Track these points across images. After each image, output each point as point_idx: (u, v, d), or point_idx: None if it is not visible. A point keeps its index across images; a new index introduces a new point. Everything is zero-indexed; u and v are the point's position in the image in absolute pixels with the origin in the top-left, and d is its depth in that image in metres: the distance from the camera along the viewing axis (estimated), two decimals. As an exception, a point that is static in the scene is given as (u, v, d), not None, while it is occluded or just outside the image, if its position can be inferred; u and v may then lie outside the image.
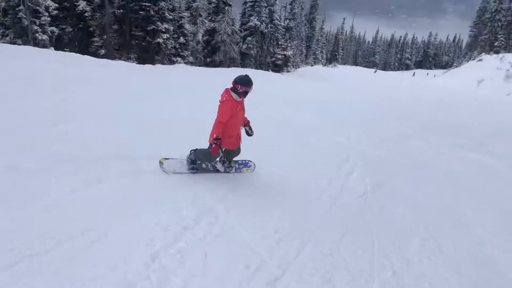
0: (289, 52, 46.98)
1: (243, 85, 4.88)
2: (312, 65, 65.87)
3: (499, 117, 22.40)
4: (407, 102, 24.95)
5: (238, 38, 40.95)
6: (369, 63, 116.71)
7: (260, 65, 45.68)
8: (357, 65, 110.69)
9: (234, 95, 4.93)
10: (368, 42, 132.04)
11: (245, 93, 4.98)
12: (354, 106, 18.68)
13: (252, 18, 42.33)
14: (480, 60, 56.16)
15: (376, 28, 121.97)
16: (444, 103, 28.68)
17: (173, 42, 33.77)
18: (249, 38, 42.44)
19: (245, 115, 5.39)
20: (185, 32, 35.04)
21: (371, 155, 8.62)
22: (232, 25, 38.91)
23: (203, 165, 5.50)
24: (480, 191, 6.92)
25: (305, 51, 65.28)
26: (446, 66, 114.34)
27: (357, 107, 18.09)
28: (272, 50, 46.55)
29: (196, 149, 5.41)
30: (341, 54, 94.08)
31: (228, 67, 37.98)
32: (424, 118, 17.00)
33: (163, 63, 31.79)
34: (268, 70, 46.34)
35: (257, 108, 12.81)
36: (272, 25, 45.15)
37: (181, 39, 34.90)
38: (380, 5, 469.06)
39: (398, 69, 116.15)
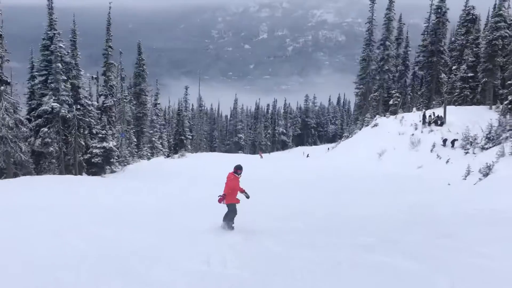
0: (110, 143, 46.95)
1: (239, 169, 13.96)
2: (149, 159, 66.52)
3: (412, 198, 24.89)
4: (293, 192, 26.29)
5: (26, 131, 39.77)
6: (231, 146, 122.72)
7: (67, 167, 44.53)
8: (214, 150, 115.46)
9: (236, 175, 13.75)
10: (226, 116, 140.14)
11: (240, 174, 13.79)
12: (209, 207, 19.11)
13: (45, 99, 41.86)
14: (375, 125, 63.20)
15: (234, 97, 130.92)
16: (341, 187, 31.10)
17: None
18: (45, 129, 41.55)
19: None
20: None
21: (241, 286, 8.60)
22: (15, 112, 37.80)
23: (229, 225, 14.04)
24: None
25: (135, 139, 66.02)
26: (334, 137, 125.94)
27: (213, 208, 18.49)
28: (83, 143, 46.06)
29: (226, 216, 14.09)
30: (190, 137, 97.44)
31: (15, 176, 36.12)
32: (316, 215, 18.10)
33: None
34: (80, 173, 45.35)
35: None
36: (79, 107, 45.14)
37: None
38: (234, 65, 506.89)
39: (273, 149, 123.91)
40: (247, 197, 13.94)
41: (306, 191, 29.32)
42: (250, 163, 58.94)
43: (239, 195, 14.08)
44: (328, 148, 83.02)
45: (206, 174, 43.59)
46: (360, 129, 72.17)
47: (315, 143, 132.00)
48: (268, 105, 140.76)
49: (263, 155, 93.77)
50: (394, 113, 67.11)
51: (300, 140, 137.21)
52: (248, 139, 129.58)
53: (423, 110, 60.84)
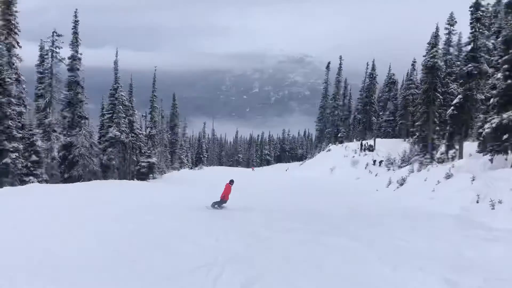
0: (153, 159, 46.71)
1: (232, 182, 17.32)
2: (178, 170, 66.17)
3: (352, 198, 24.88)
4: (273, 194, 26.15)
5: (98, 150, 39.54)
6: (233, 162, 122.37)
7: (124, 175, 44.23)
8: (222, 164, 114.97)
9: (230, 185, 16.71)
10: (230, 142, 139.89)
11: (232, 184, 17.11)
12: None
13: (111, 129, 41.72)
14: (329, 150, 63.31)
15: (235, 130, 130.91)
16: (306, 192, 31.03)
17: (23, 161, 30.98)
18: (110, 149, 41.33)
19: None
20: (38, 149, 32.62)
21: (240, 255, 8.56)
22: (90, 137, 37.63)
23: (216, 206, 16.31)
24: (344, 275, 7.26)
25: (170, 156, 65.71)
26: (301, 158, 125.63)
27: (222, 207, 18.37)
28: (135, 159, 45.82)
29: (215, 202, 16.55)
30: (206, 156, 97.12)
31: (89, 180, 35.85)
32: (289, 208, 18.07)
33: (13, 185, 28.57)
34: (133, 178, 45.03)
35: (118, 219, 12.32)
36: (133, 134, 45.00)
37: (33, 157, 32.26)
38: (236, 109, 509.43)
39: (261, 165, 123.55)
40: (226, 199, 17.20)
41: (282, 193, 29.26)
42: (246, 174, 58.86)
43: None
44: (288, 168, 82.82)
45: (216, 181, 43.27)
46: (319, 153, 72.29)
47: (288, 161, 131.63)
48: (258, 135, 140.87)
49: (255, 168, 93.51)
50: (341, 142, 67.30)
51: (279, 159, 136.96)
52: (245, 157, 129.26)
53: (360, 140, 61.06)
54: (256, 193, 27.82)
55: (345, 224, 12.99)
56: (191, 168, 76.68)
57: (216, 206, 17.01)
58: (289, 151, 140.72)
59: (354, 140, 68.68)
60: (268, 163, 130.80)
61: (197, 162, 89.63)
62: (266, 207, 18.92)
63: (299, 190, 32.67)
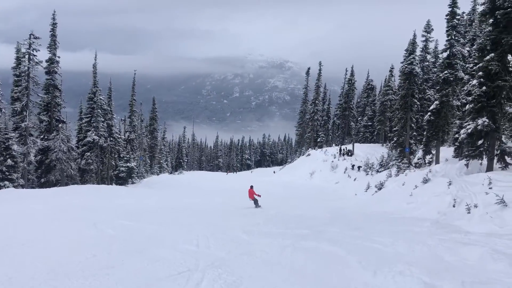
0: (132, 164, 46.13)
1: (252, 186, 22.15)
2: (158, 174, 65.48)
3: (332, 203, 25.05)
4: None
5: (75, 154, 38.77)
6: (214, 166, 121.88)
7: (102, 180, 43.52)
8: (202, 169, 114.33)
9: (252, 189, 21.55)
10: (210, 147, 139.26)
11: (253, 188, 21.89)
12: (200, 210, 18.92)
13: (89, 133, 41.01)
14: (308, 155, 63.68)
15: (216, 134, 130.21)
16: (286, 196, 31.13)
17: (-3, 165, 30.10)
18: (88, 154, 40.62)
19: None
20: (13, 153, 31.76)
21: (221, 261, 8.47)
22: (68, 142, 36.87)
23: (257, 206, 20.86)
24: (325, 280, 7.25)
25: (149, 161, 64.98)
26: (281, 162, 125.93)
27: (203, 211, 18.31)
28: (114, 163, 45.16)
29: (255, 203, 21.16)
30: (186, 160, 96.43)
31: (66, 185, 35.11)
32: (270, 212, 18.06)
33: (-16, 190, 27.69)
34: (111, 183, 44.35)
35: (95, 225, 12.10)
36: (112, 139, 44.35)
37: (9, 161, 31.40)
38: (217, 113, 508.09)
39: (241, 170, 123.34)
40: (259, 196, 21.90)
41: (262, 197, 29.27)
42: (225, 179, 58.67)
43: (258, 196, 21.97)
44: (275, 170, 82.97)
45: (197, 186, 43.03)
46: (298, 157, 72.59)
47: (269, 166, 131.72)
48: (238, 140, 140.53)
49: (229, 173, 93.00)
50: (321, 147, 67.81)
51: (259, 163, 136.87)
52: (225, 162, 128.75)
53: (339, 145, 61.72)
54: (236, 197, 27.71)
55: (325, 228, 13.02)
56: (171, 173, 75.98)
57: (257, 206, 21.19)
58: (269, 156, 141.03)
59: (333, 145, 69.45)
60: (248, 167, 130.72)
61: (177, 166, 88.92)
62: (247, 212, 18.87)
63: (279, 194, 32.73)
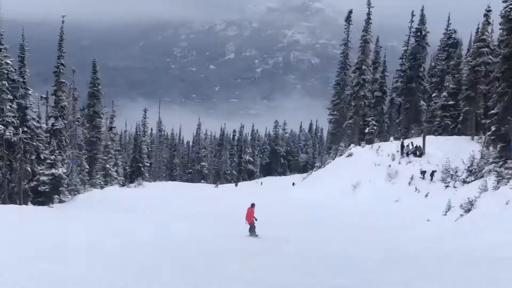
0: (59, 170, 46.31)
1: (254, 205, 25.32)
2: (102, 187, 65.79)
3: (389, 235, 25.11)
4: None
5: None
6: (194, 174, 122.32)
7: (11, 196, 43.72)
8: (174, 179, 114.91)
9: (252, 208, 25.05)
10: (188, 142, 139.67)
11: (253, 207, 25.27)
12: (173, 249, 19.08)
13: (-12, 120, 41.22)
14: (350, 154, 63.62)
15: (197, 121, 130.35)
16: (313, 222, 31.28)
17: None
18: (-14, 154, 40.81)
19: None
20: None
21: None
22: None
23: (252, 235, 24.31)
24: None
25: (87, 166, 65.24)
26: (306, 167, 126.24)
27: (178, 250, 18.46)
28: (30, 169, 45.35)
29: (250, 231, 24.56)
30: (148, 164, 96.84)
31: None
32: (286, 250, 18.15)
33: None
34: (26, 202, 44.55)
35: None
36: (26, 129, 44.56)
37: None
38: (198, 87, 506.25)
39: (238, 179, 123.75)
40: (256, 219, 24.75)
41: (275, 226, 29.35)
42: (212, 194, 58.77)
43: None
44: (294, 182, 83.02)
45: (166, 207, 43.15)
46: (333, 159, 72.48)
47: (284, 173, 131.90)
48: (234, 130, 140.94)
49: (220, 186, 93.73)
50: (370, 142, 67.60)
51: (269, 169, 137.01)
52: (212, 168, 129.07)
53: (401, 139, 61.46)
54: (233, 225, 27.88)
55: (377, 278, 13.06)
56: (124, 185, 76.33)
57: (252, 234, 24.43)
58: (285, 156, 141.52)
59: (391, 138, 69.18)
60: (250, 175, 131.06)
61: (133, 175, 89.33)
62: (252, 249, 18.99)
63: (301, 220, 32.83)
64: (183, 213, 37.60)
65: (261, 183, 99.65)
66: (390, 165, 51.97)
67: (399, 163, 51.97)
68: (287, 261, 15.94)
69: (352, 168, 56.94)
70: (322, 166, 78.02)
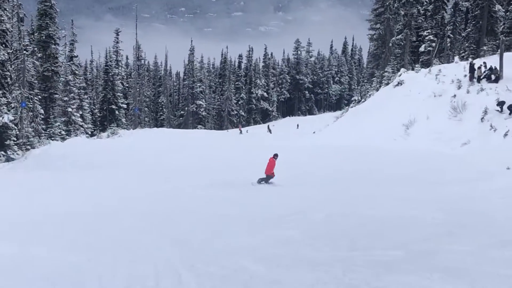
0: (5, 117, 46.60)
1: (277, 155, 31.27)
2: (64, 138, 65.92)
3: (454, 189, 25.19)
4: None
5: None
6: (187, 118, 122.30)
7: None
8: (162, 125, 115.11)
9: (274, 159, 31.04)
10: (178, 74, 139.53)
11: (276, 158, 31.33)
12: (165, 212, 19.35)
13: None
14: (400, 83, 63.36)
15: (189, 43, 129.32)
16: (349, 177, 31.46)
17: None
18: None
19: None
20: None
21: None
22: None
23: (262, 182, 30.55)
24: None
25: (42, 111, 65.38)
26: (339, 102, 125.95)
27: (170, 213, 18.73)
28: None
29: (261, 178, 30.62)
30: (125, 106, 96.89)
31: None
32: (315, 218, 18.34)
33: None
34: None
35: None
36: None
37: None
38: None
39: (249, 121, 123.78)
40: (273, 175, 29.62)
41: (300, 182, 29.63)
42: (217, 142, 58.91)
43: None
44: (335, 117, 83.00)
45: (156, 168, 43.13)
46: (377, 90, 72.29)
47: (310, 111, 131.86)
48: (240, 56, 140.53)
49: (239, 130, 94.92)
50: (427, 65, 67.24)
51: (289, 107, 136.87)
52: (212, 108, 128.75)
53: (470, 59, 61.05)
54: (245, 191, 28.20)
55: (438, 245, 13.17)
56: (93, 135, 76.59)
57: (262, 182, 29.56)
58: (310, 89, 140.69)
59: (456, 59, 68.76)
60: (264, 116, 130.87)
61: (105, 121, 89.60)
62: (269, 214, 19.22)
63: (332, 174, 32.98)
64: (182, 168, 37.74)
65: (268, 127, 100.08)
66: (455, 95, 51.67)
67: (468, 91, 51.54)
68: (315, 229, 16.08)
69: (402, 101, 56.81)
70: (362, 100, 77.74)
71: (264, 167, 29.84)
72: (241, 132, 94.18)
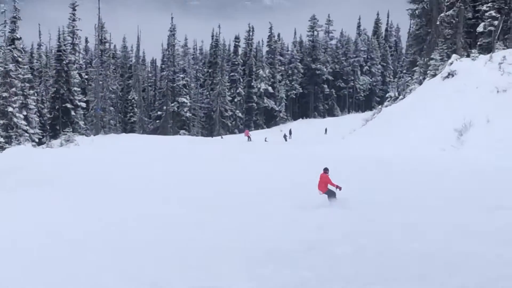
0: None
1: (327, 170, 33.69)
2: (2, 148, 66.08)
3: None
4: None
5: None
6: (166, 120, 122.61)
7: None
8: (132, 130, 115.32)
9: (327, 173, 33.63)
10: (154, 62, 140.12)
11: (327, 172, 33.79)
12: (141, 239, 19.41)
13: None
14: (450, 74, 63.36)
15: (169, 23, 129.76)
16: (381, 199, 31.52)
17: None
18: None
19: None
20: None
21: None
22: None
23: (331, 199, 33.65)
24: None
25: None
26: (369, 100, 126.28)
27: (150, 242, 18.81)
28: None
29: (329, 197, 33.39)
30: (84, 106, 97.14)
31: None
32: (335, 249, 18.34)
33: None
34: None
35: None
36: None
37: None
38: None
39: (249, 123, 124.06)
40: (339, 188, 31.10)
41: (315, 205, 29.76)
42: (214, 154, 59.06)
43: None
44: (364, 120, 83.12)
45: (125, 187, 42.82)
46: (419, 83, 72.53)
47: (330, 112, 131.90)
48: (236, 38, 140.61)
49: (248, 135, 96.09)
50: (488, 49, 67.43)
51: (302, 106, 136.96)
52: (199, 107, 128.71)
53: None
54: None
55: (495, 284, 13.18)
56: (42, 143, 76.77)
57: (331, 198, 31.92)
58: (331, 82, 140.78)
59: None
60: (269, 118, 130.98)
61: (57, 125, 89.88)
62: (275, 242, 19.26)
63: (359, 195, 33.05)
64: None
65: (326, 130, 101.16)
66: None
67: (543, 86, 51.60)
68: (336, 268, 16.13)
69: (454, 99, 56.96)
70: (400, 97, 78.00)
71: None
72: (249, 138, 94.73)
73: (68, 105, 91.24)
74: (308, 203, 31.42)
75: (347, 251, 18.61)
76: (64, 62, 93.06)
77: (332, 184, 30.60)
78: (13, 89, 75.99)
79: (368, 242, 20.14)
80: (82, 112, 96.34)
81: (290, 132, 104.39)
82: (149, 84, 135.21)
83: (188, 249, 19.32)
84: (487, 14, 69.84)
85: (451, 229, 22.66)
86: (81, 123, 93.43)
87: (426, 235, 21.24)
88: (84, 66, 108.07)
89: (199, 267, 17.22)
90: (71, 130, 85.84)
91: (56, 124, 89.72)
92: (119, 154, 60.64)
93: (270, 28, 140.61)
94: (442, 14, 74.84)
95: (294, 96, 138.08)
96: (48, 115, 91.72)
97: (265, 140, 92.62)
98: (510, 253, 17.63)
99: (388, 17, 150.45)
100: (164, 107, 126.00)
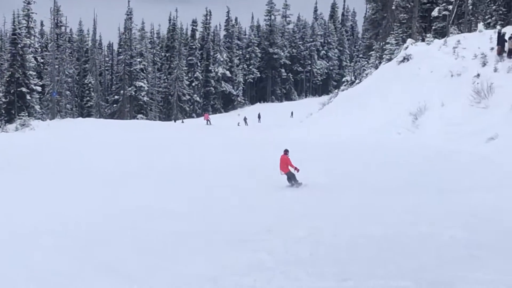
0: None
1: (288, 151, 35.30)
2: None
3: (478, 198, 25.42)
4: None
5: None
6: (123, 104, 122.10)
7: None
8: (89, 114, 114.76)
9: (287, 155, 35.32)
10: (111, 46, 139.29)
11: (287, 154, 35.49)
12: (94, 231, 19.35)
13: None
14: (406, 58, 63.60)
15: (125, 7, 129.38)
16: (338, 182, 31.73)
17: None
18: None
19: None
20: None
21: None
22: None
23: (293, 183, 34.74)
24: None
25: None
26: (326, 84, 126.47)
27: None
28: None
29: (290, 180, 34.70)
30: (40, 90, 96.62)
31: None
32: (295, 235, 18.44)
33: None
34: None
35: None
36: None
37: None
38: None
39: (206, 107, 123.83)
40: (297, 170, 32.47)
41: (272, 190, 29.84)
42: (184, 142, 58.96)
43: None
44: (321, 105, 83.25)
45: (83, 173, 42.57)
46: (376, 67, 72.68)
47: (288, 96, 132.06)
48: (194, 22, 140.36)
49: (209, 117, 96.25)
50: (442, 34, 67.65)
51: (260, 90, 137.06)
52: (157, 92, 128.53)
53: (498, 27, 61.41)
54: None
55: (458, 271, 13.30)
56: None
57: (293, 183, 32.73)
58: (288, 66, 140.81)
59: (480, 26, 69.30)
60: (227, 102, 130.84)
61: (12, 109, 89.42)
62: (251, 229, 19.33)
63: (317, 179, 33.25)
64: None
65: (292, 113, 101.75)
66: (478, 75, 51.96)
67: (496, 70, 51.77)
68: (295, 250, 16.20)
69: (409, 83, 57.21)
70: (356, 81, 78.15)
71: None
72: (208, 122, 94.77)
73: (24, 89, 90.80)
74: (267, 186, 32.17)
75: (304, 234, 18.72)
76: (19, 45, 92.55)
77: (292, 166, 31.74)
78: None
79: (325, 224, 20.25)
80: (38, 96, 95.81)
81: (259, 116, 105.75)
82: (106, 68, 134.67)
83: (147, 234, 19.26)
84: (440, 3, 70.22)
85: (406, 211, 22.84)
86: (37, 107, 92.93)
87: (381, 218, 21.36)
88: (40, 49, 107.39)
89: (157, 250, 17.24)
90: (26, 114, 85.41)
91: (11, 108, 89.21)
92: (76, 138, 60.25)
93: (228, 12, 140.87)
94: (395, 1, 75.12)
95: (252, 80, 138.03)
96: (3, 99, 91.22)
97: (245, 122, 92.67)
98: (463, 235, 17.79)
99: (344, 1, 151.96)
100: (121, 91, 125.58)
